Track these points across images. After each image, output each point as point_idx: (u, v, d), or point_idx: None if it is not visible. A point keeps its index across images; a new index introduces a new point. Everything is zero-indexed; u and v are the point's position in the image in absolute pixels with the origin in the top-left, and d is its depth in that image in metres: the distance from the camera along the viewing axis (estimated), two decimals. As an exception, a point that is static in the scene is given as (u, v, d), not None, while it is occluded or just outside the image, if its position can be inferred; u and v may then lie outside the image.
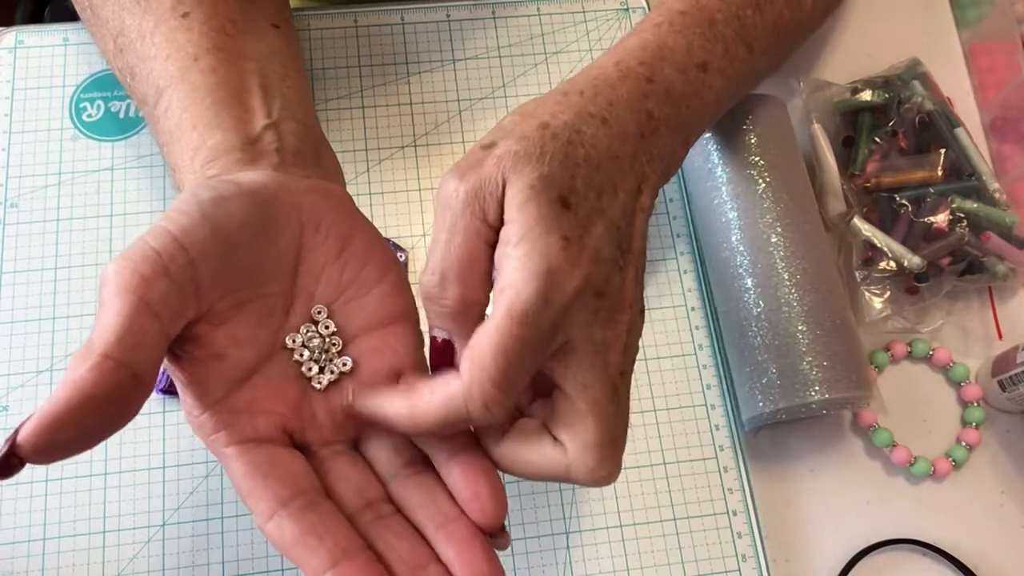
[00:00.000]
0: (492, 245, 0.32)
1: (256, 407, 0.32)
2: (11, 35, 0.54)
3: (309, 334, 0.34)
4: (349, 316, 0.35)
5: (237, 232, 0.32)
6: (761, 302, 0.47)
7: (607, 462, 0.32)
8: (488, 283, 0.32)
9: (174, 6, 0.41)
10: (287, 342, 0.34)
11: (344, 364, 0.34)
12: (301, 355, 0.34)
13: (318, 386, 0.34)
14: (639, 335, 0.35)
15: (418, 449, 0.34)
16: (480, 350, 0.30)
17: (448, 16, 0.57)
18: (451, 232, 0.32)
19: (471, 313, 0.32)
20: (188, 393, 0.32)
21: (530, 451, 0.32)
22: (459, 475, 0.32)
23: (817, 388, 0.45)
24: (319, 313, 0.35)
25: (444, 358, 0.33)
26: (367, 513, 0.32)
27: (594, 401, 0.32)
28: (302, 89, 0.42)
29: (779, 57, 0.50)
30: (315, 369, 0.34)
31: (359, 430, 0.34)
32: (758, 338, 0.47)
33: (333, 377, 0.34)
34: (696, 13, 0.43)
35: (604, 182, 0.34)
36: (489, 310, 0.31)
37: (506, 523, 0.46)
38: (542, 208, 0.31)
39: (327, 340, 0.35)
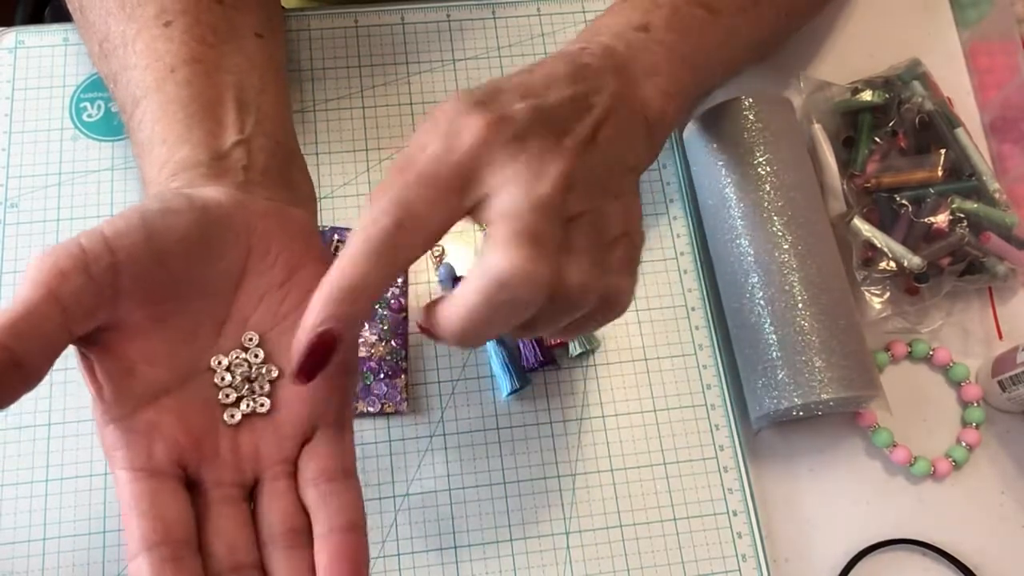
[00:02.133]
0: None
1: (157, 432, 0.32)
2: (11, 35, 0.54)
3: (237, 360, 0.34)
4: (282, 348, 0.34)
5: (174, 245, 0.32)
6: (776, 300, 0.47)
7: (514, 247, 0.30)
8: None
9: (157, 14, 0.40)
10: (212, 363, 0.33)
11: (262, 405, 0.33)
12: (222, 379, 0.33)
13: (230, 420, 0.33)
14: (599, 186, 0.35)
15: (307, 517, 0.33)
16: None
17: (448, 16, 0.57)
18: None
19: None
20: (95, 404, 0.31)
21: (466, 286, 0.32)
22: (325, 560, 0.31)
23: (834, 386, 0.45)
24: (250, 340, 0.34)
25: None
26: None
27: (507, 213, 0.31)
28: (280, 104, 0.42)
29: (774, 21, 0.48)
30: (232, 397, 0.33)
31: (257, 473, 0.33)
32: (773, 336, 0.47)
33: (247, 411, 0.33)
34: None
35: (528, 93, 0.35)
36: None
37: (507, 530, 0.46)
38: (459, 103, 0.33)
39: (254, 368, 0.34)
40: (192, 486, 0.32)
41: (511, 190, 0.32)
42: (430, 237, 0.32)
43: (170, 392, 0.32)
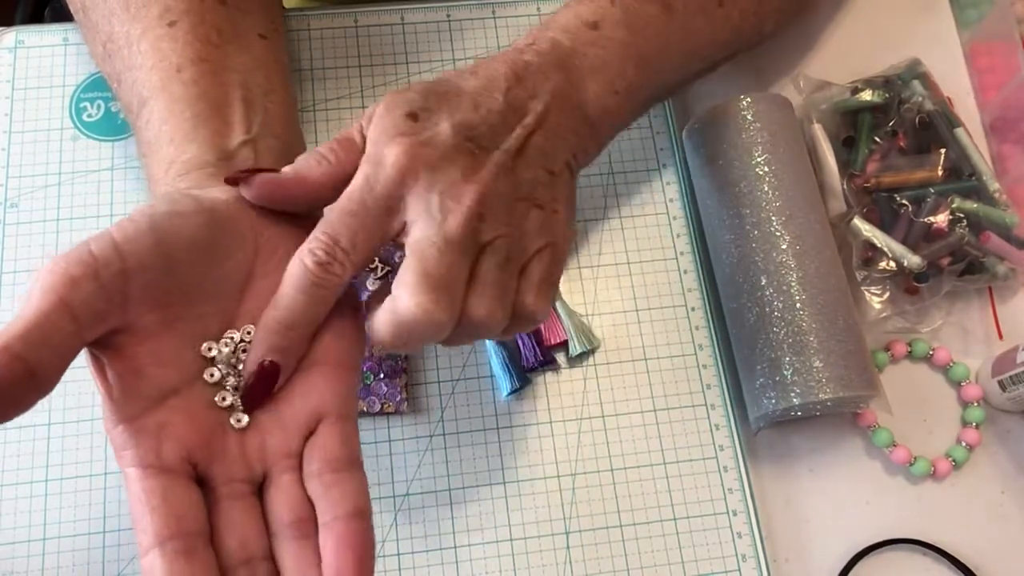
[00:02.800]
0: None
1: (166, 431, 0.32)
2: (11, 35, 0.54)
3: (224, 353, 0.33)
4: None
5: (183, 248, 0.32)
6: (775, 300, 0.47)
7: (418, 292, 0.32)
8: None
9: (161, 14, 0.40)
10: (203, 349, 0.33)
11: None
12: (211, 375, 0.33)
13: (237, 425, 0.33)
14: (521, 201, 0.37)
15: (314, 508, 0.33)
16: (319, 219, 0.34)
17: (448, 16, 0.58)
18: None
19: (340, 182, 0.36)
20: (105, 404, 0.31)
21: (379, 311, 0.34)
22: (331, 547, 0.31)
23: (832, 386, 0.45)
24: (248, 333, 0.34)
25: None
26: (243, 570, 0.32)
27: (418, 249, 0.34)
28: (286, 103, 0.42)
29: (740, 22, 0.48)
30: (228, 400, 0.33)
31: (266, 469, 0.34)
32: (771, 336, 0.47)
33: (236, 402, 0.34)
34: None
35: (461, 103, 0.36)
36: None
37: (507, 530, 0.46)
38: (388, 119, 0.35)
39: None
40: (202, 483, 0.33)
41: (422, 225, 0.34)
42: (358, 263, 0.34)
43: (179, 392, 0.33)
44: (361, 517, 0.32)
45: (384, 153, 0.34)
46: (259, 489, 0.34)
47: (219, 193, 0.35)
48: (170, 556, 0.30)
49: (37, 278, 0.29)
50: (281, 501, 0.33)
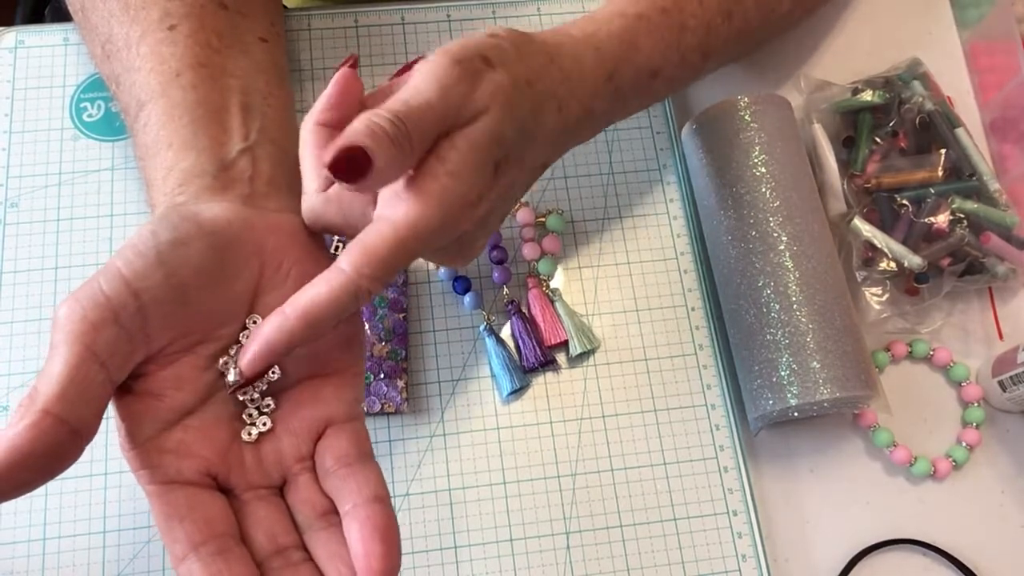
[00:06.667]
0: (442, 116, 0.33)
1: (183, 450, 0.32)
2: (11, 35, 0.54)
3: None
4: (294, 361, 0.35)
5: (192, 278, 0.32)
6: (773, 301, 0.47)
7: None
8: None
9: (161, 17, 0.40)
10: (220, 364, 0.34)
11: (264, 424, 0.34)
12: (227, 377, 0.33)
13: (247, 438, 0.34)
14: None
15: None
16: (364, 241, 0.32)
17: (448, 16, 0.57)
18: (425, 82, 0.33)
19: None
20: (122, 427, 0.32)
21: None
22: (356, 532, 0.31)
23: (829, 387, 0.45)
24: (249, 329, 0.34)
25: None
26: (277, 560, 0.32)
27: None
28: (285, 108, 0.42)
29: (732, 60, 0.51)
30: (256, 417, 0.34)
31: (283, 475, 0.34)
32: (769, 336, 0.47)
33: (264, 430, 0.34)
34: (675, 14, 0.44)
35: (525, 155, 0.37)
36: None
37: (507, 530, 0.46)
38: (480, 161, 0.33)
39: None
40: (225, 492, 0.33)
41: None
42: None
43: (194, 412, 0.33)
44: (381, 502, 0.33)
45: (453, 217, 0.33)
46: (280, 493, 0.34)
47: (219, 211, 0.35)
48: (206, 559, 0.30)
49: (57, 327, 0.29)
50: (303, 499, 0.33)
